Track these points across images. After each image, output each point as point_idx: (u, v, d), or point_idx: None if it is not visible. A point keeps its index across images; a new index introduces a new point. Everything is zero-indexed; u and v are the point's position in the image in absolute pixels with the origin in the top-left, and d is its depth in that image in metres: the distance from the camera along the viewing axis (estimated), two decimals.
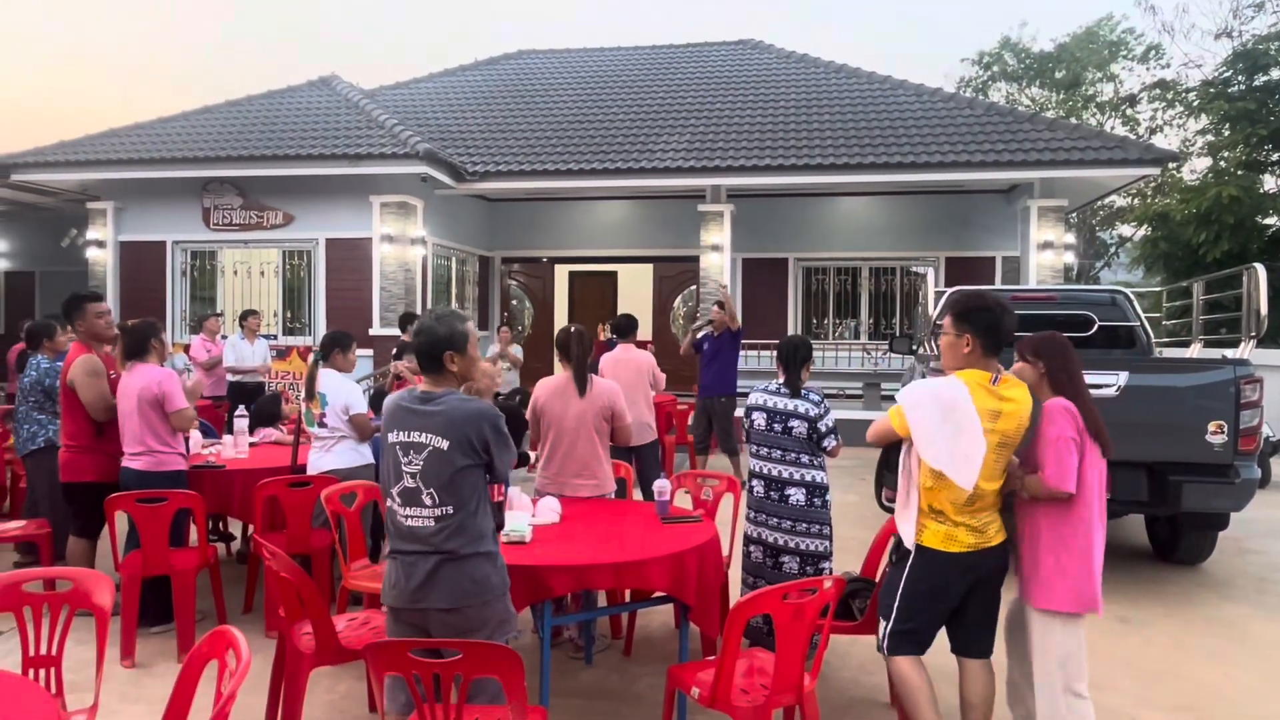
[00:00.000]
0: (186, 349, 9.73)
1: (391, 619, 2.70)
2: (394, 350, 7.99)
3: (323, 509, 4.28)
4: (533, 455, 4.36)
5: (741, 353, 8.62)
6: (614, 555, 3.31)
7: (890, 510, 5.44)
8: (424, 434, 2.59)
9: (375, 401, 5.76)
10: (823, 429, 4.06)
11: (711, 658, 3.19)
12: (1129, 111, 22.44)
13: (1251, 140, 15.69)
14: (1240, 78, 16.59)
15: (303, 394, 4.96)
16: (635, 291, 16.52)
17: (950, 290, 6.18)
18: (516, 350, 11.11)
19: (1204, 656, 4.42)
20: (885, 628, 3.09)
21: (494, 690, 2.48)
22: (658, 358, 7.33)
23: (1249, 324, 5.68)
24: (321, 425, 4.82)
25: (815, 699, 2.96)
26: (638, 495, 5.90)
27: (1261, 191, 15.93)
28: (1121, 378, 5.05)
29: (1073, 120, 18.79)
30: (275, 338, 12.04)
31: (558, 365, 4.43)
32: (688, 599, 3.37)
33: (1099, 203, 19.17)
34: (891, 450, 5.43)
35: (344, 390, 4.86)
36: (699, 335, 8.49)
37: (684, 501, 4.59)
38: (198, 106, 13.45)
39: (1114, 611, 4.95)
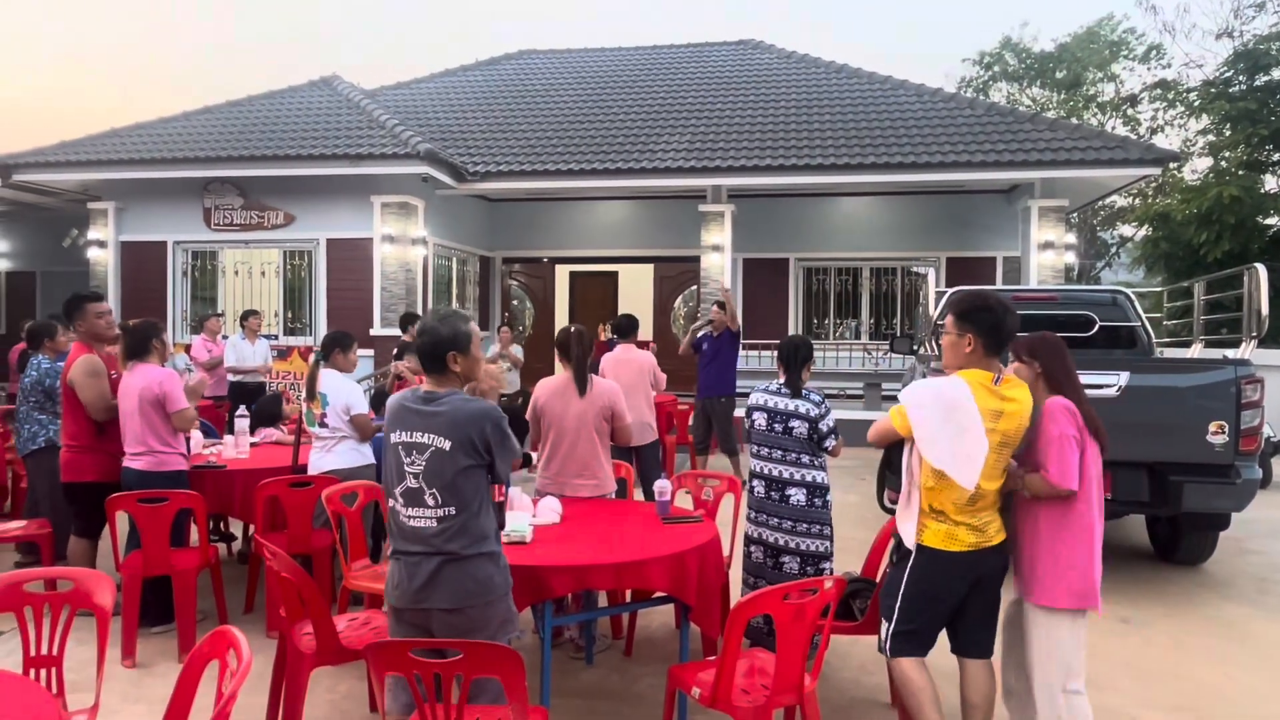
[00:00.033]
0: (187, 349, 9.74)
1: (394, 619, 2.71)
2: (395, 350, 8.03)
3: (324, 509, 4.28)
4: (535, 456, 4.37)
5: (742, 353, 8.62)
6: (614, 555, 3.31)
7: (891, 512, 5.44)
8: (426, 434, 2.59)
9: (376, 401, 5.77)
10: (824, 429, 4.06)
11: (712, 658, 3.19)
12: (1130, 111, 22.43)
13: (1252, 140, 15.69)
14: (1241, 78, 16.57)
15: (304, 394, 4.96)
16: (636, 292, 16.52)
17: (952, 290, 6.18)
18: (517, 350, 11.11)
19: (1204, 657, 4.42)
20: (887, 629, 3.09)
21: (495, 690, 2.48)
22: (658, 358, 7.33)
23: (1250, 324, 5.68)
24: (322, 425, 4.82)
25: (816, 699, 2.96)
26: (639, 495, 5.90)
27: (1262, 191, 15.92)
28: (1122, 378, 5.05)
29: (1074, 120, 18.77)
30: (276, 338, 12.04)
31: (558, 365, 4.43)
32: (688, 599, 3.37)
33: (1100, 203, 19.18)
34: (893, 452, 5.44)
35: (345, 390, 4.86)
36: (698, 335, 8.49)
37: (685, 502, 4.59)
38: (198, 106, 13.46)
39: (1114, 611, 4.95)
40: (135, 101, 53.71)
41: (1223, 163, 17.03)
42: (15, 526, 5.17)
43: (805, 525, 4.03)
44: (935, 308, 7.04)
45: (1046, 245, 11.72)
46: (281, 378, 11.69)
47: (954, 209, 13.80)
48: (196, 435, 5.36)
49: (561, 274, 16.72)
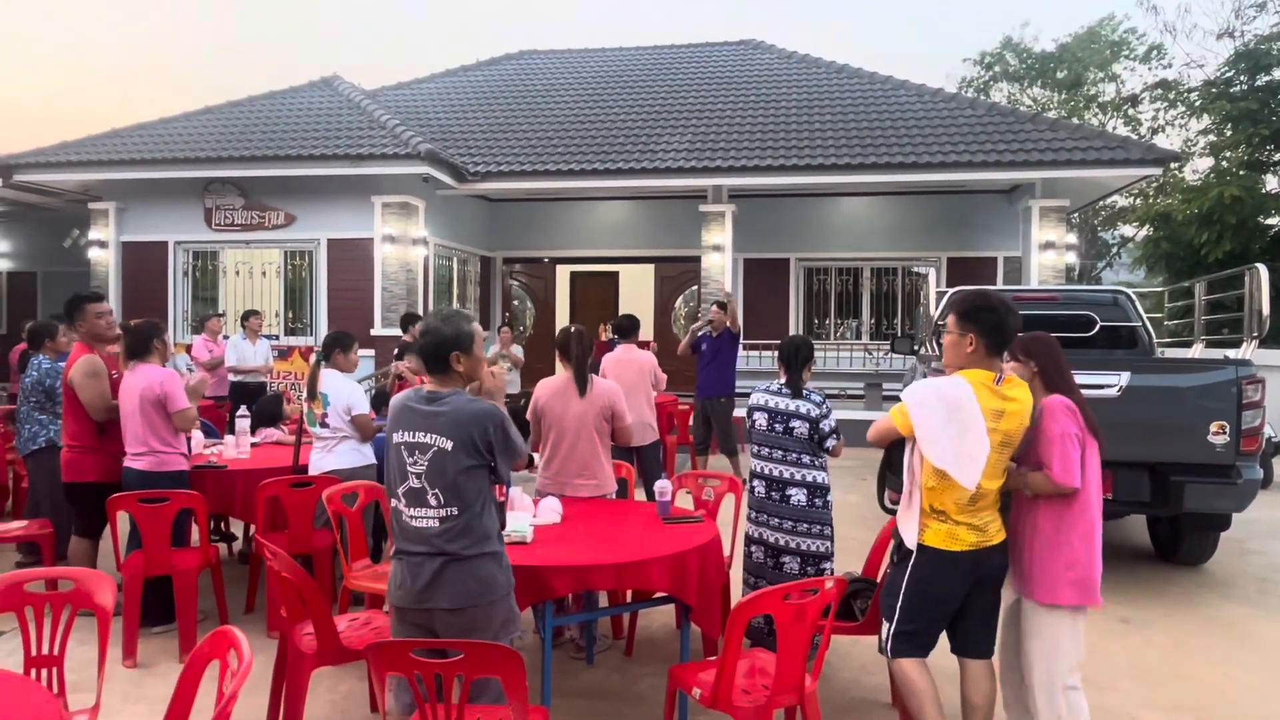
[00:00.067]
0: (188, 349, 9.74)
1: (397, 619, 2.71)
2: (395, 350, 8.02)
3: (324, 509, 4.28)
4: (537, 457, 4.37)
5: (742, 353, 8.62)
6: (615, 556, 3.31)
7: (892, 512, 5.44)
8: (429, 434, 2.59)
9: (376, 402, 5.77)
10: (824, 429, 4.06)
11: (713, 658, 3.19)
12: (1131, 111, 22.42)
13: (1253, 140, 15.68)
14: (1242, 78, 16.57)
15: (305, 394, 4.96)
16: (636, 292, 16.53)
17: (953, 290, 6.18)
18: (518, 350, 11.11)
19: (1205, 657, 4.42)
20: (888, 630, 3.09)
21: (496, 690, 2.48)
22: (659, 358, 7.33)
23: (1251, 324, 5.67)
24: (323, 425, 4.82)
25: (816, 699, 2.96)
26: (639, 495, 5.90)
27: (1263, 192, 15.92)
28: (1123, 378, 5.05)
29: (1074, 120, 18.76)
30: (277, 338, 12.04)
31: (558, 365, 4.43)
32: (689, 599, 3.37)
33: (1101, 203, 19.16)
34: (894, 452, 5.44)
35: (346, 390, 4.86)
36: (698, 335, 8.49)
37: (685, 502, 4.59)
38: (199, 107, 13.47)
39: (1115, 612, 4.95)
40: (135, 101, 53.84)
41: (1224, 163, 17.03)
42: (16, 526, 5.17)
43: (806, 525, 4.03)
44: (936, 308, 7.04)
45: (1047, 245, 11.72)
46: (282, 378, 11.70)
47: (955, 209, 13.80)
48: (197, 435, 5.36)
49: (562, 274, 16.73)
